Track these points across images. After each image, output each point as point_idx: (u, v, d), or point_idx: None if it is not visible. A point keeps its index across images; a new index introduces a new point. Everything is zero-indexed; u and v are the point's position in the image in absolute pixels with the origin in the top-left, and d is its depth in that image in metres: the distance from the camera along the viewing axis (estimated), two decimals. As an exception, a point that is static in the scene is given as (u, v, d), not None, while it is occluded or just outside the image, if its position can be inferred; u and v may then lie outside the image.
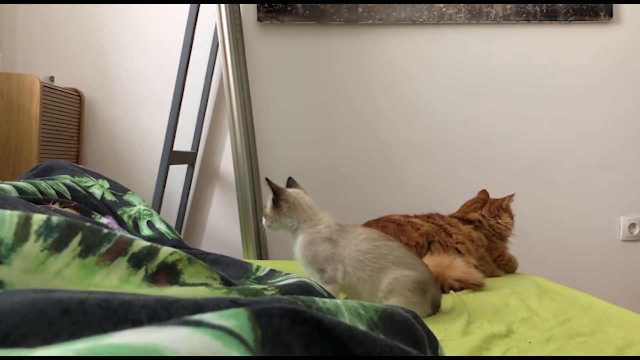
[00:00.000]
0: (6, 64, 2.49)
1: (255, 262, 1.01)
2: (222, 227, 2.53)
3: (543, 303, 1.26)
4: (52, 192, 1.18)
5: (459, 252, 1.54)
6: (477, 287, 1.38)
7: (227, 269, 0.75)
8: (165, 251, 0.57)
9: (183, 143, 2.45)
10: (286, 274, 0.78)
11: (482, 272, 1.49)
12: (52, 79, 2.43)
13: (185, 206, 2.50)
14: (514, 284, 1.49)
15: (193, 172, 2.52)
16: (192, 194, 2.54)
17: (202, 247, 2.47)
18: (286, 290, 0.62)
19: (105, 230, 0.56)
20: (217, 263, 0.77)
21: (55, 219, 0.54)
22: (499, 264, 1.65)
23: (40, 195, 1.13)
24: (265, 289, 0.59)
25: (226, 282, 0.60)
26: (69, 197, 1.22)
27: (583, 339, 1.00)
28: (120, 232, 0.58)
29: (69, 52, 2.54)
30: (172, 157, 2.18)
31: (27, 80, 2.11)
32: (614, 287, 2.40)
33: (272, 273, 0.83)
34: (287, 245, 2.42)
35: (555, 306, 1.23)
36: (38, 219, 0.53)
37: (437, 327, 1.04)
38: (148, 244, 0.56)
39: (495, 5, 2.43)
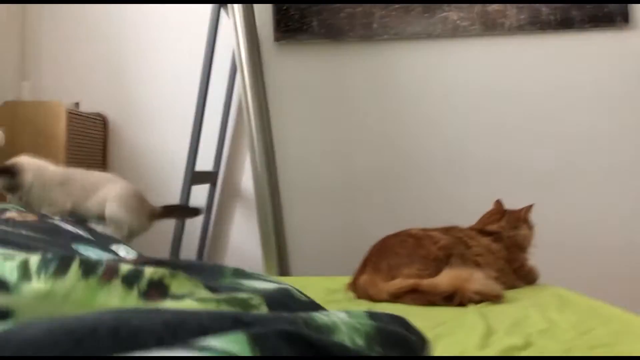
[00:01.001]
0: (33, 91, 2.58)
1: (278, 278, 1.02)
2: (244, 245, 2.56)
3: (563, 314, 1.25)
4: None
5: (478, 264, 1.54)
6: (496, 299, 1.38)
7: (202, 274, 0.78)
8: (149, 270, 0.59)
9: (205, 163, 2.50)
10: (258, 275, 0.80)
11: (502, 284, 1.48)
12: (77, 104, 2.50)
13: (208, 225, 2.55)
14: (534, 295, 1.48)
15: (215, 191, 2.57)
16: (215, 213, 2.59)
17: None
18: (271, 299, 0.64)
19: (93, 258, 0.59)
20: (190, 268, 0.80)
21: (49, 254, 0.57)
22: (519, 275, 1.64)
23: None
24: (250, 298, 0.62)
25: (209, 288, 0.63)
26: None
27: (603, 350, 0.99)
28: (104, 259, 0.61)
29: (92, 77, 2.63)
30: (194, 177, 2.22)
31: (53, 108, 2.19)
32: (636, 293, 2.36)
33: (241, 272, 0.84)
34: (310, 262, 2.45)
35: (575, 317, 1.22)
36: (34, 260, 0.56)
37: (455, 340, 1.05)
38: (131, 266, 0.59)
39: (508, 15, 2.44)
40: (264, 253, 2.07)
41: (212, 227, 2.58)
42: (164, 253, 2.23)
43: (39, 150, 2.16)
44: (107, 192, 1.74)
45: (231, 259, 2.57)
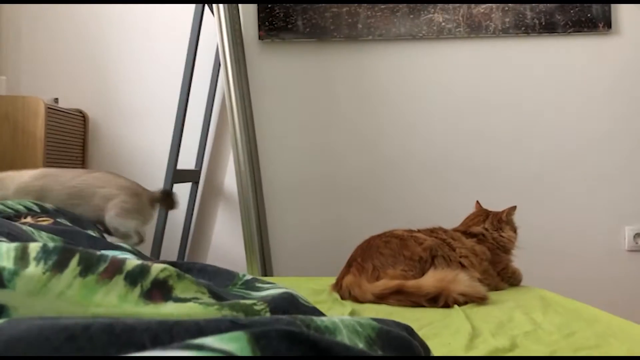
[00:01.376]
0: (11, 86, 2.52)
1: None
2: (226, 245, 2.53)
3: (547, 316, 1.26)
4: (20, 207, 1.19)
5: (462, 266, 1.54)
6: (481, 300, 1.38)
7: (214, 278, 0.77)
8: (156, 268, 0.58)
9: (187, 161, 2.47)
10: (270, 283, 0.79)
11: (486, 286, 1.49)
12: (56, 100, 2.45)
13: (190, 224, 2.51)
14: (518, 297, 1.49)
15: (197, 190, 2.53)
16: (197, 212, 2.55)
17: (207, 265, 2.47)
18: (274, 304, 0.63)
19: (98, 252, 0.58)
20: (204, 272, 0.79)
21: (50, 244, 0.56)
22: (503, 277, 1.64)
23: (11, 211, 1.13)
24: (254, 304, 0.61)
25: (215, 295, 0.61)
26: (38, 210, 1.23)
27: (587, 352, 1.00)
28: (110, 254, 0.59)
29: (72, 73, 2.58)
30: (176, 175, 2.19)
31: (32, 103, 2.13)
32: (619, 298, 2.39)
33: (255, 280, 0.84)
34: (294, 262, 2.43)
35: (559, 319, 1.22)
36: (34, 246, 0.55)
37: (441, 342, 1.04)
38: (139, 262, 0.58)
39: (494, 18, 2.45)
40: (246, 253, 2.05)
41: (193, 226, 2.55)
42: (145, 253, 2.19)
43: (16, 146, 2.11)
44: (98, 201, 1.57)
45: (213, 259, 2.54)
